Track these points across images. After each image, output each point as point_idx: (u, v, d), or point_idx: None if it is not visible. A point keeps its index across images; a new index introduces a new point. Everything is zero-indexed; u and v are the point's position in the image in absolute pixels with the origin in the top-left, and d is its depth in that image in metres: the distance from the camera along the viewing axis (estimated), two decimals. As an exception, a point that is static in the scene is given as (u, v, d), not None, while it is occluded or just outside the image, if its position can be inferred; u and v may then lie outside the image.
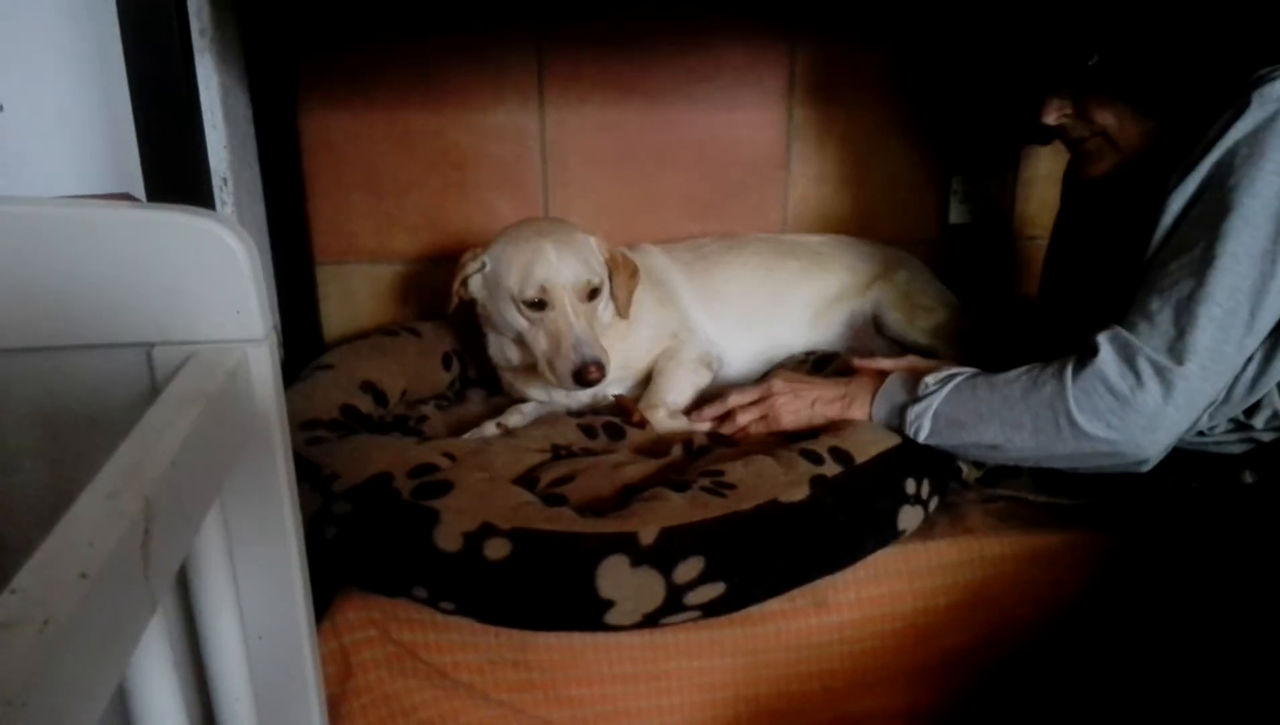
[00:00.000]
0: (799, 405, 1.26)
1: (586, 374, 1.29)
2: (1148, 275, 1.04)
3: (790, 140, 1.79)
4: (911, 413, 1.15)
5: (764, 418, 1.29)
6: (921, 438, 1.15)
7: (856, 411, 1.23)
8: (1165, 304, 1.00)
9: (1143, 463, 1.06)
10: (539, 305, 1.33)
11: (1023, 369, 1.09)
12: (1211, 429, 1.08)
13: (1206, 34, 1.07)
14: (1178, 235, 1.02)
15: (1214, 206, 0.99)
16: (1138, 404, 1.01)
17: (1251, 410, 1.06)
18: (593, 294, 1.36)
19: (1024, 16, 1.17)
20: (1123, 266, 1.11)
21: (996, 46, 1.24)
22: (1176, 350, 0.99)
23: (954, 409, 1.12)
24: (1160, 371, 1.00)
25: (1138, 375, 1.00)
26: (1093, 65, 1.09)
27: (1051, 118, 1.16)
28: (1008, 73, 1.23)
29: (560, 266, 1.33)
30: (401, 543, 1.01)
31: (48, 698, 0.35)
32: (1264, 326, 0.99)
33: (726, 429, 1.32)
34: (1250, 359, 1.02)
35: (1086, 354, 1.04)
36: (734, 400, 1.33)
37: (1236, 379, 1.03)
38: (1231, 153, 0.98)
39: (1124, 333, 1.02)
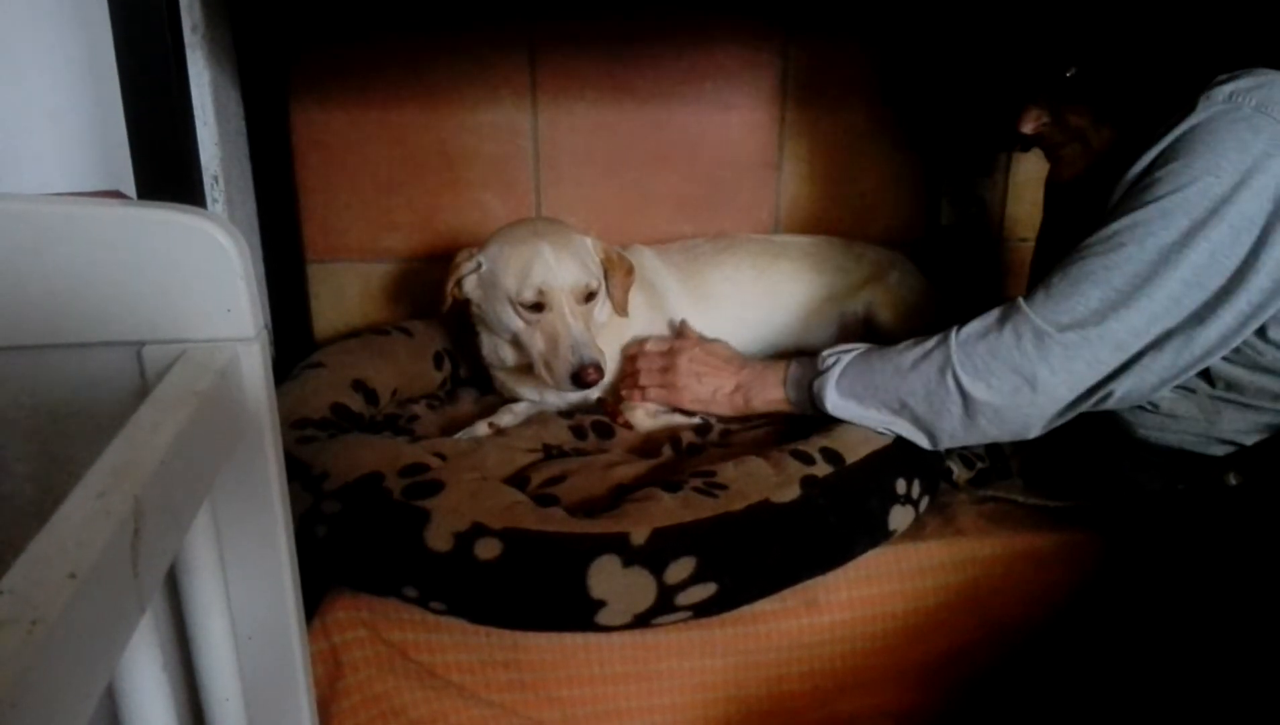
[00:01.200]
0: (700, 391, 1.31)
1: (585, 376, 1.28)
2: (1066, 256, 1.06)
3: (782, 141, 1.80)
4: (815, 385, 1.18)
5: (664, 387, 1.33)
6: (827, 407, 1.18)
7: (757, 403, 1.28)
8: (1065, 279, 1.03)
9: (1026, 430, 1.08)
10: (536, 307, 1.33)
11: (912, 340, 1.13)
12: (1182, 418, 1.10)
13: (1180, 45, 1.08)
14: (1101, 223, 1.04)
15: (1137, 197, 1.01)
16: (1014, 364, 1.03)
17: (1245, 400, 1.07)
18: (590, 296, 1.36)
19: (1004, 28, 1.18)
20: None
21: (978, 56, 1.26)
22: (1059, 319, 1.01)
23: (851, 381, 1.16)
24: (1039, 336, 1.02)
25: (1018, 337, 1.03)
26: (1070, 77, 1.10)
27: (1029, 127, 1.17)
28: (988, 82, 1.25)
29: (558, 269, 1.32)
30: (392, 542, 1.01)
31: (36, 698, 0.35)
32: (1156, 314, 0.99)
33: (625, 386, 1.36)
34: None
35: (972, 319, 1.08)
36: (640, 363, 1.37)
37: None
38: (1166, 150, 1.00)
39: (1019, 301, 1.05)
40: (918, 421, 1.13)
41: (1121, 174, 1.05)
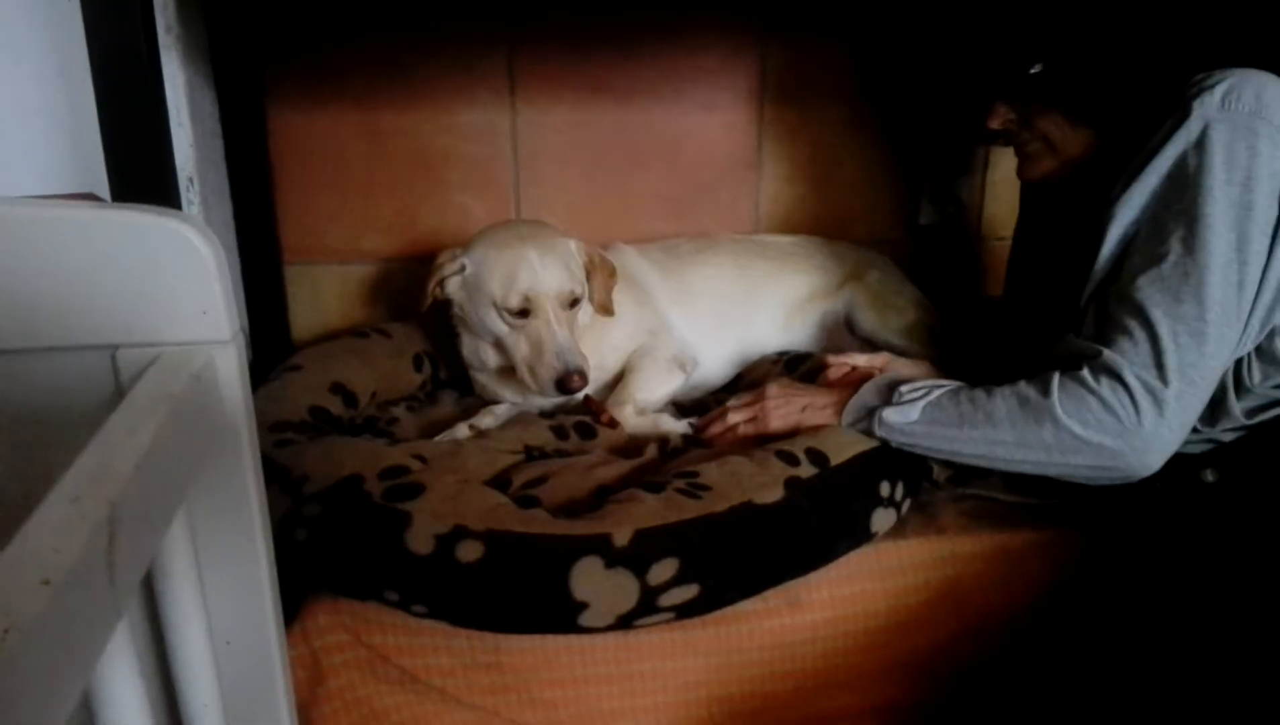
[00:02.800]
0: (788, 409, 1.25)
1: (569, 383, 1.28)
2: (1120, 290, 1.03)
3: (762, 141, 1.80)
4: (881, 414, 1.15)
5: (753, 419, 1.28)
6: (894, 441, 1.15)
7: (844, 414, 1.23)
8: (1144, 320, 1.00)
9: (1134, 478, 1.05)
10: (521, 313, 1.33)
11: (1006, 387, 1.08)
12: None
13: (1147, 44, 1.09)
14: (1143, 247, 1.02)
15: (1177, 219, 0.99)
16: (1132, 425, 0.99)
17: (1214, 420, 1.08)
18: (574, 302, 1.36)
19: (972, 24, 1.19)
20: (1073, 269, 1.12)
21: (950, 52, 1.27)
22: (1164, 368, 0.99)
23: (931, 415, 1.12)
24: (1151, 392, 0.99)
25: (1131, 395, 0.99)
26: (1036, 74, 1.11)
27: (996, 122, 1.18)
28: (960, 78, 1.25)
29: (544, 275, 1.32)
30: (372, 545, 1.00)
31: (10, 706, 0.35)
32: (1236, 337, 1.00)
33: (715, 428, 1.31)
34: None
35: (1074, 369, 1.04)
36: (730, 403, 1.33)
37: None
38: (1180, 165, 0.99)
39: (1109, 353, 1.01)
40: (1007, 463, 1.09)
41: (1111, 178, 1.05)
